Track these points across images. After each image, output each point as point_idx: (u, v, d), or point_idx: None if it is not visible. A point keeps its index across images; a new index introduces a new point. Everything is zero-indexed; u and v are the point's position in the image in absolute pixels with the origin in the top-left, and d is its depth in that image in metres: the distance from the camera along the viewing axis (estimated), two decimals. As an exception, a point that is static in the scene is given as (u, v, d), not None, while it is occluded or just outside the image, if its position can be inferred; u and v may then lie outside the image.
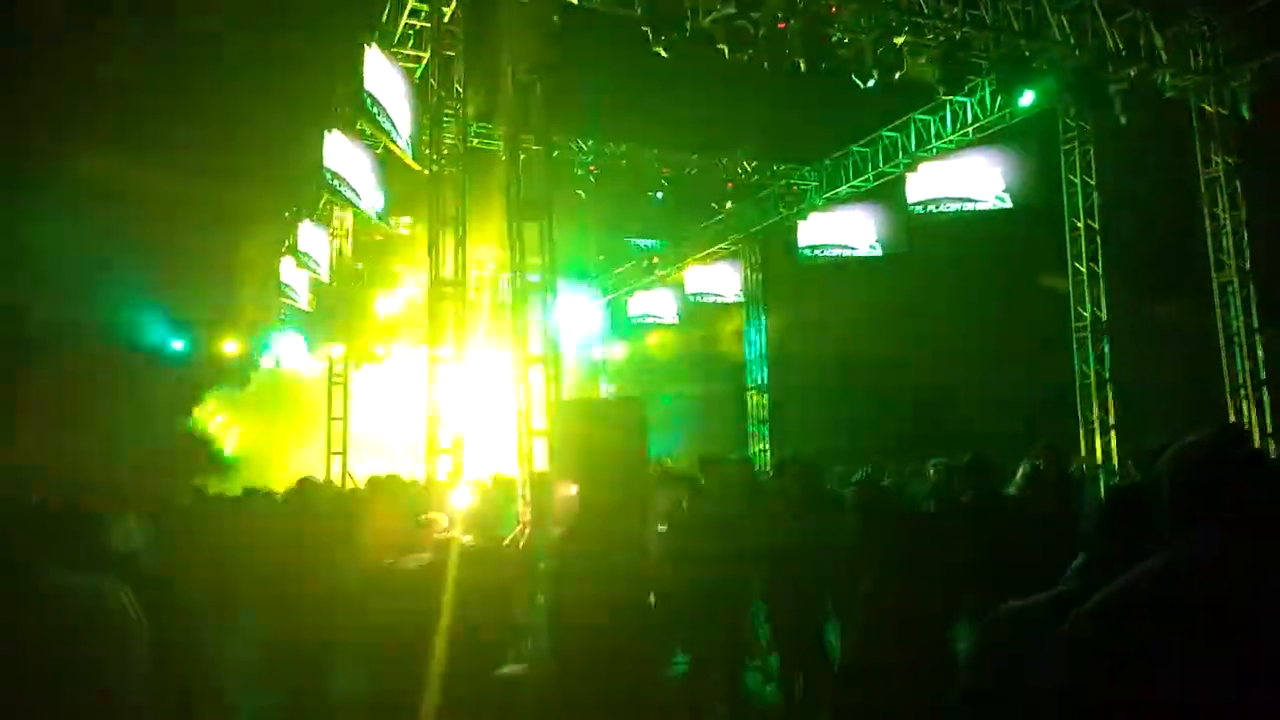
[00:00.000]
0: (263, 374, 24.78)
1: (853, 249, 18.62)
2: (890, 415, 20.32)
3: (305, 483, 7.49)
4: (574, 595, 4.72)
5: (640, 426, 6.54)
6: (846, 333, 21.93)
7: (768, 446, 21.94)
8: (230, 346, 26.33)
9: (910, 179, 16.23)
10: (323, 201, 16.92)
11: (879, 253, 18.38)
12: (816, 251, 18.93)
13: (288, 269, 18.65)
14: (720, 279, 22.83)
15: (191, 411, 24.38)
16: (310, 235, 16.94)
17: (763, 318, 22.92)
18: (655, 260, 24.77)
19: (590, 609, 4.55)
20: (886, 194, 18.02)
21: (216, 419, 24.75)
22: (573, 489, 5.73)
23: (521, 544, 7.50)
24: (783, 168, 20.13)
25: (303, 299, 19.05)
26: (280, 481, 13.46)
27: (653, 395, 23.31)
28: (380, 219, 14.93)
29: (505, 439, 11.50)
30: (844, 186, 18.99)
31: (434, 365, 10.70)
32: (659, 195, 18.71)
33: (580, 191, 17.93)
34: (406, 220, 21.42)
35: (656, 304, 25.06)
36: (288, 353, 23.90)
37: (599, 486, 5.39)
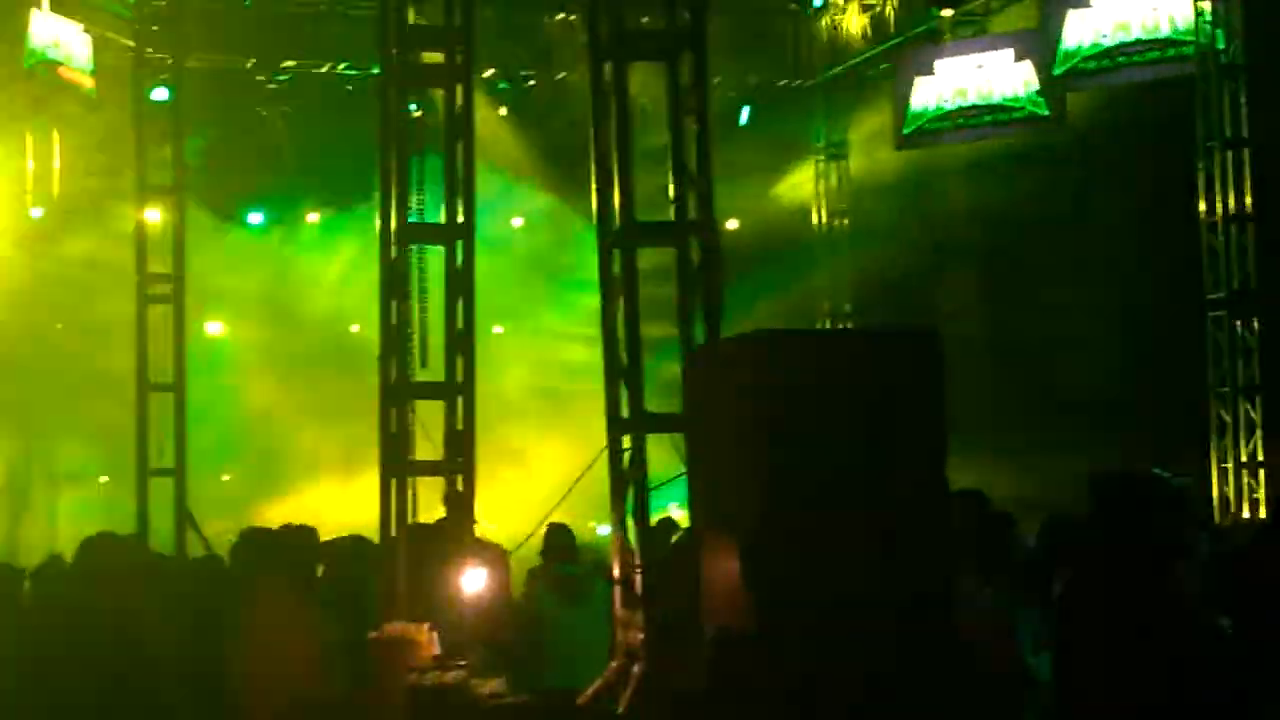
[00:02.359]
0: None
1: None
2: None
3: (94, 547, 3.91)
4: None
5: (930, 403, 3.05)
6: None
7: (1258, 427, 9.31)
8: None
9: None
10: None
11: None
12: None
13: None
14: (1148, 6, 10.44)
15: None
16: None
17: (1244, 117, 9.38)
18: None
19: None
20: None
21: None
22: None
23: (622, 706, 3.91)
24: None
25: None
26: (35, 540, 8.35)
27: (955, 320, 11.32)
28: None
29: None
30: None
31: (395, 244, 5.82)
32: None
33: None
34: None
35: (964, 76, 11.96)
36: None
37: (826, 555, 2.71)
